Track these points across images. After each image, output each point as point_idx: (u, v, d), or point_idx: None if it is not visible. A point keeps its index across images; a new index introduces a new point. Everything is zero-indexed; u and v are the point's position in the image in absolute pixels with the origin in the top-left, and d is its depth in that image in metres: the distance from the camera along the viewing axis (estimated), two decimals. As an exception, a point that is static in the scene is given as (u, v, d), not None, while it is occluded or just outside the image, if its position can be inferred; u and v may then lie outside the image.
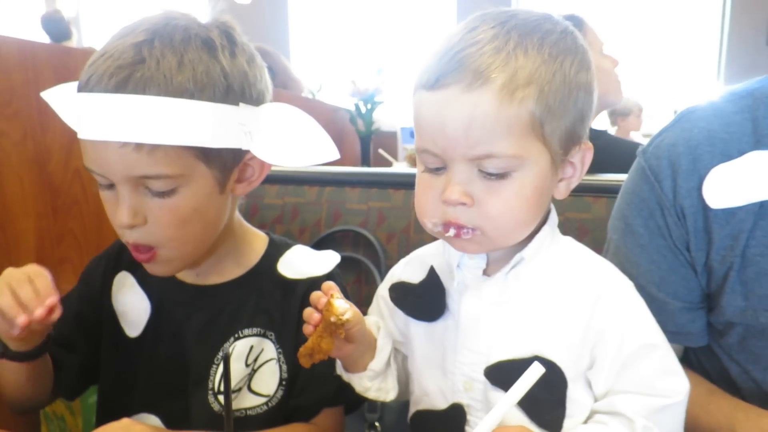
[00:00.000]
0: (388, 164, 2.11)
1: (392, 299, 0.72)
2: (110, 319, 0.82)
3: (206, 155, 0.69)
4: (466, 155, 0.56)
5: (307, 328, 0.62)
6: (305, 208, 1.23)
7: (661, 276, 0.70)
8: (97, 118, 0.65)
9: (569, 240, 0.68)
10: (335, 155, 0.73)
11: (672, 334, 0.70)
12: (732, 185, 0.64)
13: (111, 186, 0.69)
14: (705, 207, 0.65)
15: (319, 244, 1.19)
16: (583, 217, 1.06)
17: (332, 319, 0.60)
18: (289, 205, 1.24)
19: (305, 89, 2.51)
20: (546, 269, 0.64)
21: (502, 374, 0.61)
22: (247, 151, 0.72)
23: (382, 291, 0.75)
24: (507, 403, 0.55)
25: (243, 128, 0.70)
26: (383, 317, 0.75)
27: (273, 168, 1.32)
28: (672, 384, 0.60)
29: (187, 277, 0.81)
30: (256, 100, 0.72)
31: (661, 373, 0.60)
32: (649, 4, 4.02)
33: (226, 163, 0.71)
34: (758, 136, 0.64)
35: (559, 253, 0.65)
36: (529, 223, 0.61)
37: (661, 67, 4.06)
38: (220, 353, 0.77)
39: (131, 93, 0.63)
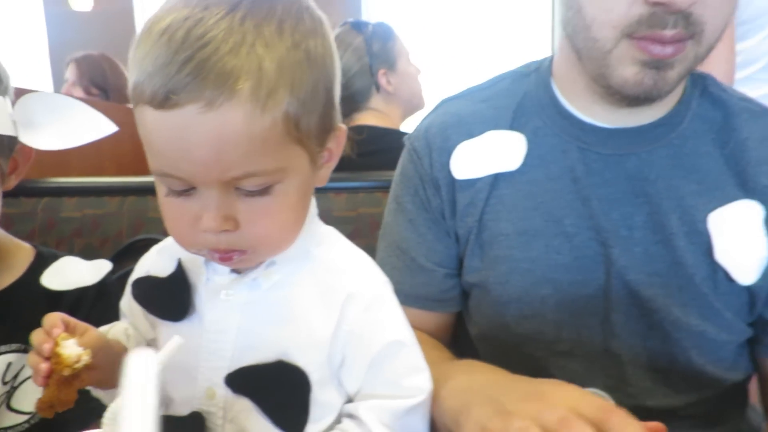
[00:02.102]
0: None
1: (134, 296, 0.66)
2: None
3: None
4: (220, 179, 0.50)
5: (37, 380, 0.54)
6: (106, 219, 1.19)
7: (428, 247, 0.75)
8: None
9: (330, 231, 0.65)
10: (112, 128, 0.75)
11: (437, 302, 0.76)
12: (472, 159, 0.71)
13: None
14: (453, 179, 0.72)
15: (120, 255, 1.16)
16: (375, 212, 1.12)
17: (65, 373, 0.52)
18: (89, 217, 1.20)
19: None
20: (300, 268, 0.60)
21: (244, 381, 0.58)
22: (17, 141, 0.73)
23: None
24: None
25: (11, 117, 0.71)
26: (134, 314, 0.68)
27: (71, 180, 1.28)
28: (418, 381, 0.60)
29: None
30: (7, 90, 0.74)
31: (408, 371, 0.60)
32: (476, 10, 4.27)
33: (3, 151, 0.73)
34: (499, 120, 0.72)
35: (315, 249, 0.61)
36: (298, 226, 0.58)
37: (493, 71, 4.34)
38: None
39: None
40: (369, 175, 1.20)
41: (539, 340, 0.70)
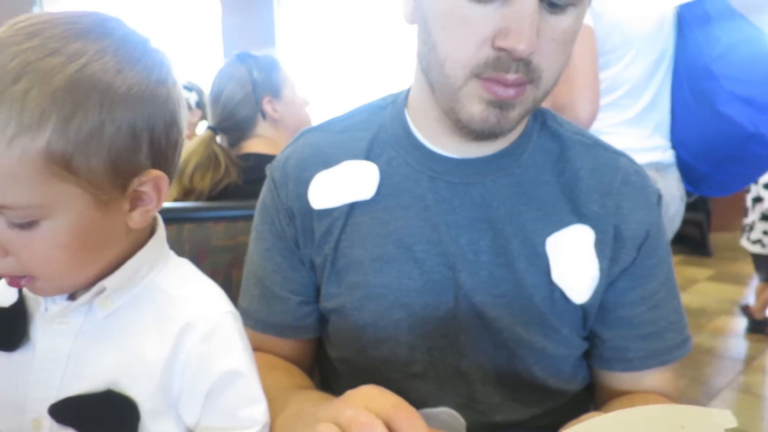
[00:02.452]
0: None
1: None
2: None
3: None
4: None
5: None
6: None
7: (284, 275, 0.76)
8: None
9: (182, 263, 0.66)
10: None
11: (294, 329, 0.78)
12: (329, 189, 0.73)
13: None
14: (310, 209, 0.74)
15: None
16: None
17: None
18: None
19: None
20: (140, 297, 0.61)
21: (69, 411, 0.57)
22: None
23: None
24: None
25: None
26: None
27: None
28: (253, 412, 0.60)
29: None
30: None
31: (244, 402, 0.60)
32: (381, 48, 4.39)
33: None
34: (355, 150, 0.75)
35: (159, 279, 0.62)
36: (87, 265, 0.57)
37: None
38: None
39: None
40: (248, 203, 1.20)
41: (394, 362, 0.72)
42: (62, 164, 0.50)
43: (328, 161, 0.75)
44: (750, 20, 1.48)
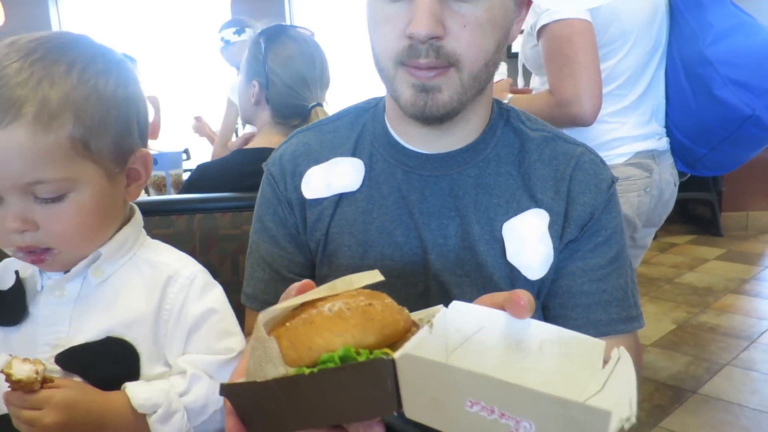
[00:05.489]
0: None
1: None
2: None
3: None
4: (15, 185, 0.63)
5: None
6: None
7: (290, 259, 0.85)
8: None
9: (157, 242, 0.81)
10: None
11: None
12: (320, 181, 0.83)
13: None
14: (304, 199, 0.83)
15: None
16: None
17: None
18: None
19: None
20: (126, 267, 0.74)
21: (74, 359, 0.68)
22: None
23: None
24: None
25: None
26: None
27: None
28: (229, 343, 0.73)
29: None
30: None
31: (220, 335, 0.73)
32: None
33: None
34: (343, 148, 0.85)
35: (140, 252, 0.76)
36: (99, 233, 0.70)
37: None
38: None
39: None
40: (250, 195, 1.27)
41: None
42: (83, 145, 0.64)
43: (318, 158, 0.84)
44: (740, 6, 1.51)
